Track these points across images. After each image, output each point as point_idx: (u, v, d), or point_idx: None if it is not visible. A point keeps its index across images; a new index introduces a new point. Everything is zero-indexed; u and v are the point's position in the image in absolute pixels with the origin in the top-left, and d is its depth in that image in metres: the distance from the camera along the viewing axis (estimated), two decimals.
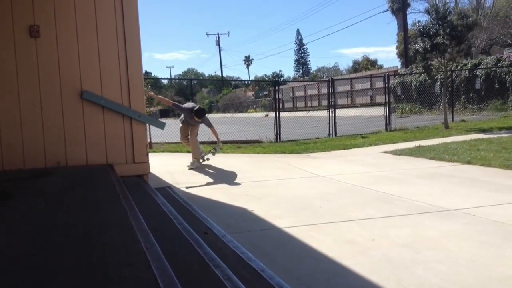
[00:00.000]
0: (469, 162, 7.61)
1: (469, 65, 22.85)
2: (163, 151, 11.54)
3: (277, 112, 14.51)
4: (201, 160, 8.64)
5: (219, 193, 6.04)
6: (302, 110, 38.43)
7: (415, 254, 3.45)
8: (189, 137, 8.67)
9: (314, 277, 3.13)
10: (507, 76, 20.65)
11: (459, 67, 22.53)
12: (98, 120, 5.33)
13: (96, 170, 4.93)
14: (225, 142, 13.33)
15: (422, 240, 3.80)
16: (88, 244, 2.37)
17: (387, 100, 16.46)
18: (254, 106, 46.12)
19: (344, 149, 11.03)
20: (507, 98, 20.52)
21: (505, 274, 2.96)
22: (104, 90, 5.34)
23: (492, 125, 14.11)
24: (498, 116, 18.51)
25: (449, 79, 17.71)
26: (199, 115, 8.33)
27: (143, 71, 5.87)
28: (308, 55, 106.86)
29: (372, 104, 28.96)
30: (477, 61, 23.19)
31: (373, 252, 3.54)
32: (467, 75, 22.66)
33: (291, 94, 47.25)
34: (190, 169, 8.27)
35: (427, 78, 22.10)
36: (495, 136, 11.23)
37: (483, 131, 12.78)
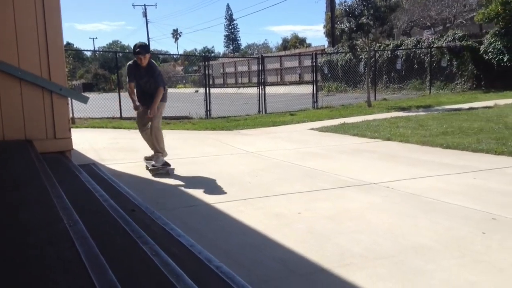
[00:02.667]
0: (389, 139, 8.04)
1: (391, 45, 23.90)
2: (87, 127, 11.09)
3: (207, 88, 14.39)
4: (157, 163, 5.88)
5: (146, 170, 5.93)
6: (233, 87, 38.43)
7: (337, 226, 3.62)
8: (150, 124, 5.90)
9: (242, 250, 3.19)
10: (425, 57, 21.86)
11: (382, 47, 23.52)
12: (15, 93, 4.99)
13: (13, 146, 4.64)
14: None
15: (345, 212, 3.98)
16: (7, 224, 2.24)
17: (314, 79, 16.85)
18: (184, 81, 45.39)
19: (273, 126, 11.21)
20: (425, 78, 21.77)
21: (419, 243, 3.19)
22: (21, 62, 4.99)
23: (411, 104, 14.94)
24: (416, 95, 19.62)
25: (373, 59, 18.44)
26: (142, 52, 5.64)
27: (64, 42, 5.56)
28: (238, 31, 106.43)
29: (301, 82, 29.53)
30: (399, 42, 24.32)
31: (299, 225, 3.66)
32: (389, 56, 23.71)
33: (222, 70, 46.97)
34: (155, 171, 5.76)
35: (352, 58, 22.88)
36: (413, 114, 11.91)
37: (403, 109, 13.50)
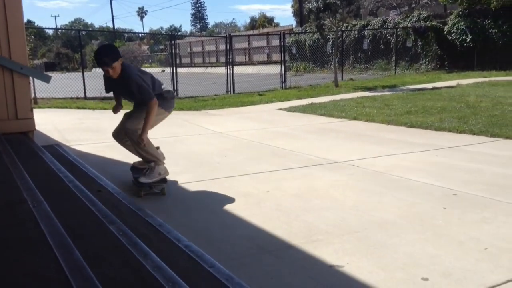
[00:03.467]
0: (355, 118, 8.16)
1: (358, 26, 24.06)
2: (50, 107, 10.77)
3: (174, 68, 14.18)
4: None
5: (113, 151, 5.84)
6: (200, 66, 38.00)
7: (305, 203, 3.68)
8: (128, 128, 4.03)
9: (211, 229, 3.21)
10: (391, 38, 22.14)
11: (349, 27, 23.65)
12: None
13: None
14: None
15: (312, 190, 4.05)
16: None
17: (282, 59, 16.84)
18: (150, 60, 44.53)
19: (242, 106, 11.19)
20: (391, 59, 22.09)
21: (383, 219, 3.28)
22: None
23: (376, 84, 15.16)
24: (382, 75, 19.91)
25: (340, 39, 18.54)
26: (108, 62, 3.79)
27: (25, 20, 5.35)
28: (206, 9, 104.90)
29: (269, 62, 29.45)
30: (365, 22, 24.50)
31: (267, 203, 3.70)
32: (356, 36, 23.89)
33: (189, 49, 46.28)
34: (146, 190, 3.99)
35: (320, 38, 22.94)
36: (379, 94, 12.11)
37: (369, 89, 13.70)
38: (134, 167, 4.33)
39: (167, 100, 4.21)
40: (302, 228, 3.14)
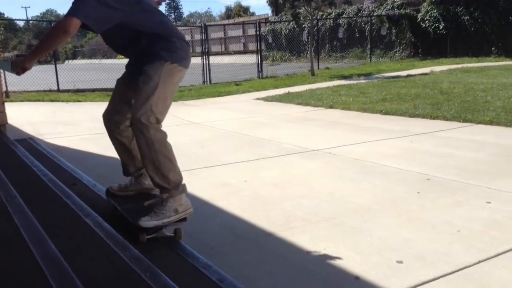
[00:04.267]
0: (331, 107, 8.22)
1: (333, 14, 24.15)
2: (22, 100, 10.55)
3: None
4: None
5: (88, 143, 5.76)
6: None
7: (283, 192, 3.71)
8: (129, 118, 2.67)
9: (189, 220, 3.20)
10: (366, 26, 22.30)
11: (324, 16, 23.72)
12: None
13: None
14: (93, 90, 12.60)
15: (289, 178, 4.08)
16: None
17: (258, 48, 16.81)
18: None
19: (218, 96, 11.15)
20: (366, 47, 22.26)
21: (359, 204, 3.34)
22: None
23: (352, 72, 15.28)
24: (358, 63, 20.07)
25: (315, 28, 18.59)
26: None
27: None
28: None
29: (245, 51, 29.36)
30: (340, 10, 24.60)
31: (245, 192, 3.72)
32: (331, 24, 23.98)
33: None
34: (149, 232, 2.51)
35: (295, 27, 22.97)
36: (355, 82, 12.22)
37: (345, 77, 13.80)
38: (116, 195, 2.82)
39: (177, 47, 2.55)
40: (280, 216, 3.17)
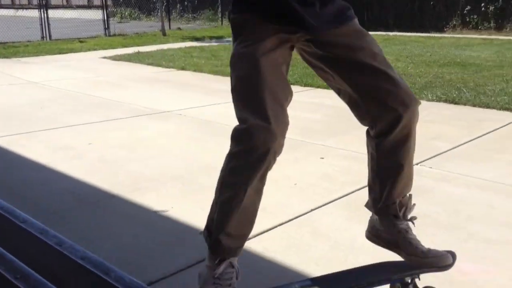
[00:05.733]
0: (183, 68, 8.16)
1: None
2: None
3: None
4: None
5: None
6: (9, 8, 33.36)
7: (131, 153, 3.63)
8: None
9: (29, 185, 2.99)
10: None
11: None
12: None
13: None
14: None
15: (138, 140, 4.00)
16: None
17: (104, 3, 15.78)
18: None
19: (60, 53, 10.29)
20: (217, 10, 22.35)
21: (207, 163, 3.42)
22: None
23: (204, 34, 15.27)
24: (210, 26, 20.10)
25: None
26: None
27: None
28: None
29: (90, 6, 27.25)
30: None
31: (89, 155, 3.55)
32: None
33: None
34: None
35: None
36: (207, 44, 12.26)
37: (197, 39, 13.75)
38: None
39: None
40: (127, 178, 3.11)
